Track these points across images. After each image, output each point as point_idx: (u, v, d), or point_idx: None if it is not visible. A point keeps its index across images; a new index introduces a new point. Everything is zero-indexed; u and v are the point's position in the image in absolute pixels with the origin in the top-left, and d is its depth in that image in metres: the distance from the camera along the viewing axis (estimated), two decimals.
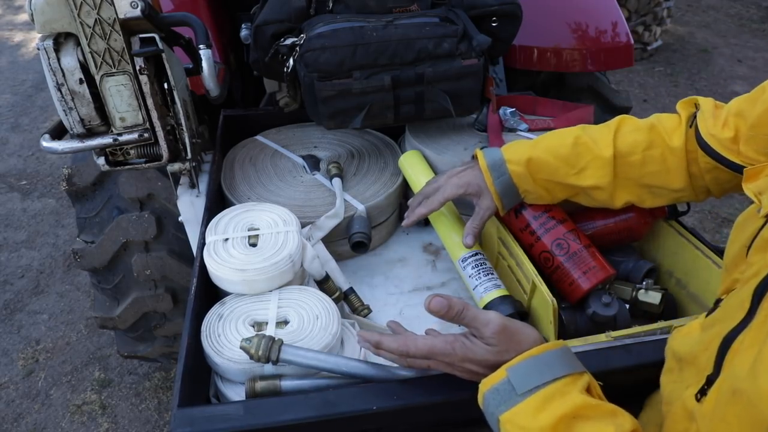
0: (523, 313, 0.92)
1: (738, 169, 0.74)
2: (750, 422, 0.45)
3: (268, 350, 0.72)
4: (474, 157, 0.99)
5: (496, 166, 0.92)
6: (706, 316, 0.60)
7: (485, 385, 0.61)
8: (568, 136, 0.90)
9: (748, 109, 0.75)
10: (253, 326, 0.83)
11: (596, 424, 0.57)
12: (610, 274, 0.91)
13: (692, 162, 0.85)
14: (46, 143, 0.92)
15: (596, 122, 1.05)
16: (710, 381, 0.53)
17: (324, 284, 0.95)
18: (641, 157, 0.86)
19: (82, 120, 0.92)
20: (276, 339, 0.74)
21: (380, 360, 0.73)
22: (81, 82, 0.88)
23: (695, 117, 0.82)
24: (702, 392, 0.54)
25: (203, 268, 0.88)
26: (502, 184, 0.91)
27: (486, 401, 0.61)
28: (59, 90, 0.88)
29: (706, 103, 0.83)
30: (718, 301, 0.61)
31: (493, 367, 0.63)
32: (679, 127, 0.86)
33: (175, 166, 1.05)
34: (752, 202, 0.59)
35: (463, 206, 1.13)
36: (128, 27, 0.88)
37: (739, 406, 0.46)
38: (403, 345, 0.68)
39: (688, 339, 0.60)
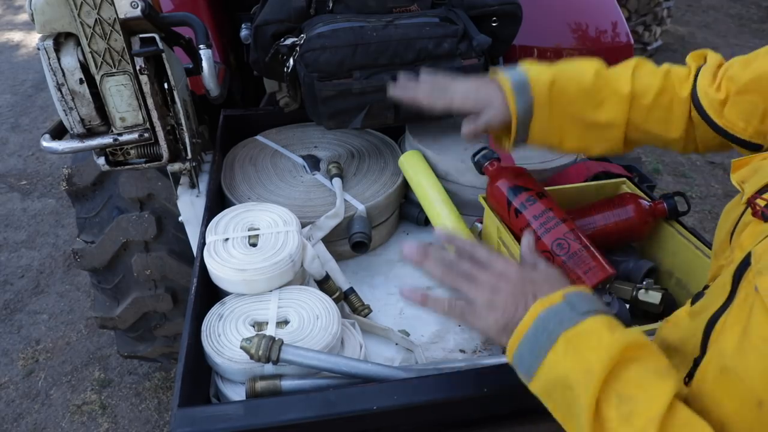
0: None
1: (719, 131, 0.76)
2: (739, 398, 0.46)
3: (268, 350, 0.72)
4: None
5: (520, 87, 0.84)
6: (692, 302, 0.61)
7: (541, 304, 0.57)
8: (590, 68, 0.86)
9: (739, 73, 0.75)
10: (254, 326, 0.83)
11: (662, 360, 0.54)
12: (610, 274, 0.91)
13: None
14: (46, 143, 0.92)
15: None
16: (697, 363, 0.54)
17: (324, 284, 0.95)
18: (651, 102, 0.83)
19: (82, 120, 0.92)
20: (276, 339, 0.74)
21: (380, 360, 0.73)
22: (81, 82, 0.88)
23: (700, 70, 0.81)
24: (690, 375, 0.55)
25: (203, 268, 0.88)
26: (524, 110, 0.84)
27: (541, 321, 0.56)
28: (59, 90, 0.88)
29: (713, 58, 0.82)
30: (705, 287, 0.62)
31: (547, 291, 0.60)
32: (688, 78, 0.84)
33: (175, 166, 1.05)
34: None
35: (463, 206, 1.13)
36: (128, 27, 0.88)
37: (728, 383, 0.47)
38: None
39: (677, 328, 0.62)
